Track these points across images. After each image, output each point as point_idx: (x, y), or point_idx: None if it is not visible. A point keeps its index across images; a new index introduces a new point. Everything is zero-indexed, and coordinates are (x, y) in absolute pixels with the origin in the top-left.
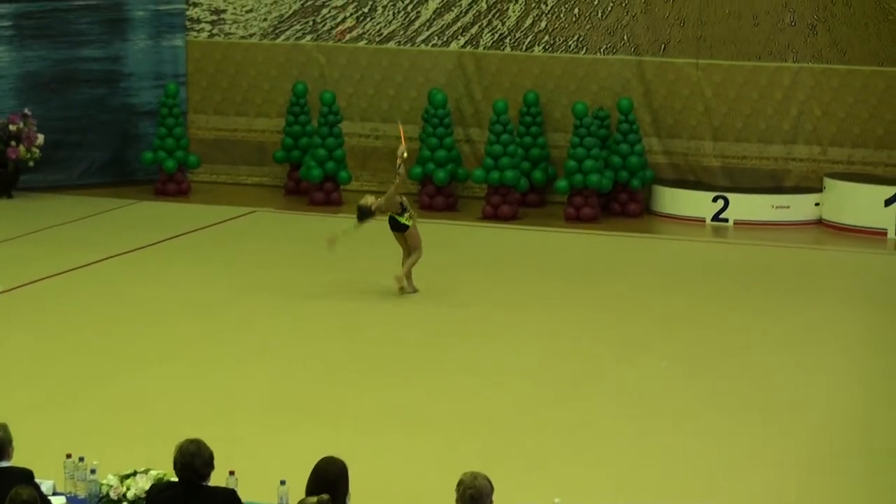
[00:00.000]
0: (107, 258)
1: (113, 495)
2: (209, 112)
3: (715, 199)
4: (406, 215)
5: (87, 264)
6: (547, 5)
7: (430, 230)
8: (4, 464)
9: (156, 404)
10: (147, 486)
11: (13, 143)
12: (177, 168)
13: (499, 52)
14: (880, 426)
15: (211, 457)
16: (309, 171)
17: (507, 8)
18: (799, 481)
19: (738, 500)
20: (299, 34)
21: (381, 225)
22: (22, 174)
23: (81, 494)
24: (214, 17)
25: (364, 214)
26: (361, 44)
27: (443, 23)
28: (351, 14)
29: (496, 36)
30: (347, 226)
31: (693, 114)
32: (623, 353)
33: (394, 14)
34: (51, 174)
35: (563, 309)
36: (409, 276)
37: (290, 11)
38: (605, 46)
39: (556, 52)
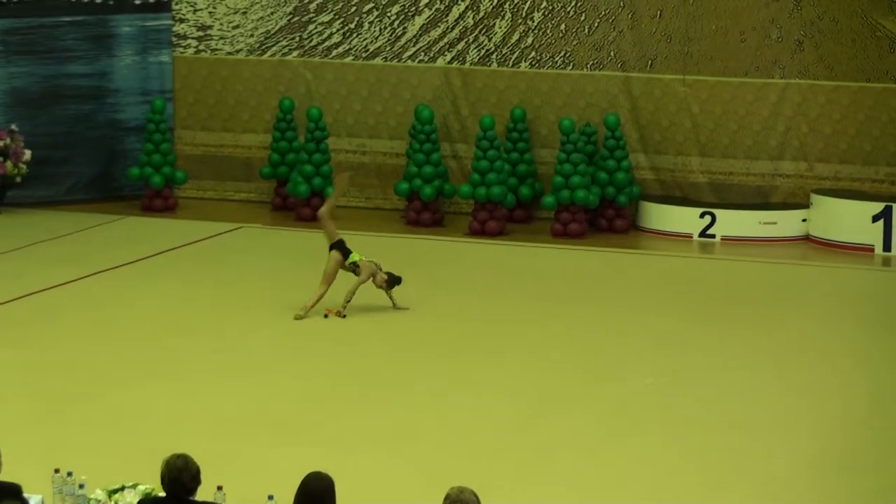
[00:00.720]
0: (93, 274)
1: None
2: (196, 128)
3: (702, 215)
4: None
5: (74, 280)
6: (534, 21)
7: (416, 246)
8: None
9: (143, 420)
10: (135, 501)
11: (0, 158)
12: (164, 184)
13: (485, 67)
14: (867, 443)
15: (198, 471)
16: (296, 186)
17: (494, 24)
18: (784, 499)
19: None
20: (286, 50)
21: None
22: (9, 190)
23: None
24: (201, 34)
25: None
26: (348, 59)
27: (429, 39)
28: (337, 30)
29: (483, 52)
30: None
31: (680, 130)
32: (609, 370)
33: (380, 30)
34: (38, 190)
35: (550, 325)
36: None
37: (277, 27)
38: (591, 62)
39: (543, 68)
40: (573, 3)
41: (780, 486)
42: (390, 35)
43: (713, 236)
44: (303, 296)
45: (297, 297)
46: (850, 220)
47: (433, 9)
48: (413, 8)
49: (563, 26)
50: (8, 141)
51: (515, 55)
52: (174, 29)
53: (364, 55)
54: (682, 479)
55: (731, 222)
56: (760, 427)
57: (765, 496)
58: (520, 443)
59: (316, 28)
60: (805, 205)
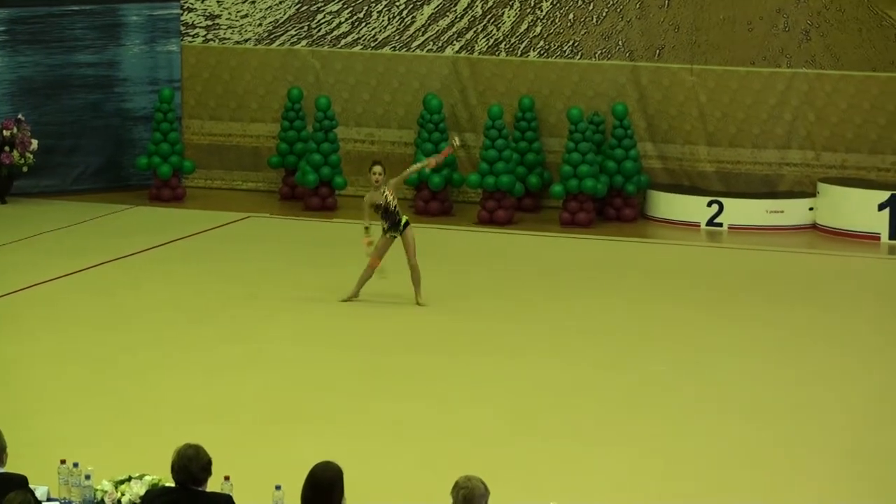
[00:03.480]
0: (101, 263)
1: (108, 501)
2: (204, 117)
3: (709, 204)
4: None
5: (82, 270)
6: (542, 11)
7: (425, 235)
8: None
9: (151, 410)
10: (142, 492)
11: (7, 148)
12: (171, 173)
13: (494, 57)
14: (875, 430)
15: (209, 463)
16: (304, 176)
17: (503, 13)
18: (793, 486)
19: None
20: (294, 39)
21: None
22: (16, 180)
23: (76, 500)
24: (209, 23)
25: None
26: (357, 49)
27: (438, 28)
28: (346, 19)
29: (491, 41)
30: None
31: (688, 119)
32: (618, 358)
33: (389, 19)
34: (45, 179)
35: (559, 314)
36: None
37: (285, 17)
38: (599, 52)
39: (552, 57)
40: None
41: (789, 473)
42: (399, 24)
43: (721, 225)
44: (311, 285)
45: (305, 286)
46: (857, 208)
47: None
48: None
49: (571, 15)
50: (15, 130)
51: (524, 44)
52: (182, 18)
53: (373, 45)
54: (692, 466)
55: (739, 211)
56: (770, 415)
57: (774, 483)
58: (529, 432)
59: (324, 17)
60: (812, 193)
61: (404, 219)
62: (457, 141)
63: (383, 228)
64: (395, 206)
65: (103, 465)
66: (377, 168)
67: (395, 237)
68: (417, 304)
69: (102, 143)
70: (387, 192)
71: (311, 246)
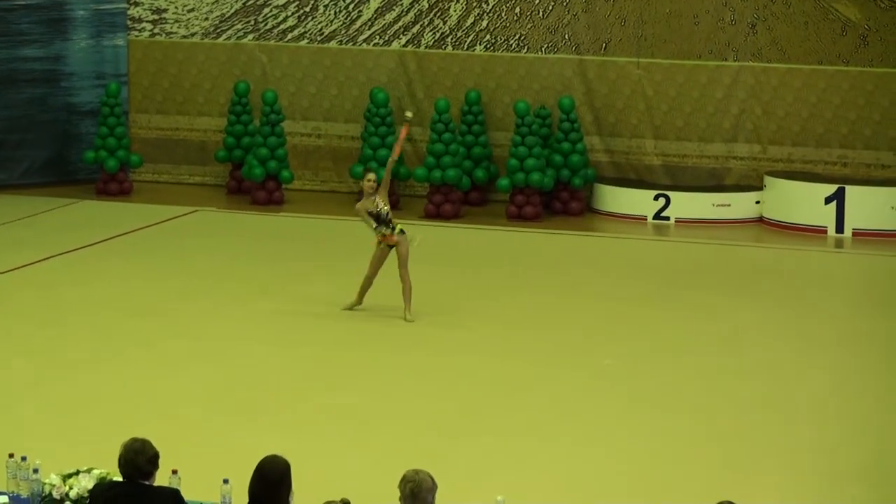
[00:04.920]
0: (48, 258)
1: (56, 494)
2: (151, 111)
3: (656, 198)
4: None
5: (28, 264)
6: (488, 4)
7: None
8: None
9: (98, 404)
10: (90, 486)
11: None
12: (118, 167)
13: (440, 51)
14: (820, 426)
15: (155, 456)
16: (251, 170)
17: (449, 7)
18: (737, 481)
19: (676, 499)
20: (241, 33)
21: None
22: None
23: (24, 494)
24: (156, 17)
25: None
26: (303, 43)
27: (384, 22)
28: (292, 13)
29: (437, 35)
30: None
31: (634, 112)
32: (566, 353)
33: (335, 13)
34: None
35: (507, 308)
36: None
37: (232, 11)
38: (546, 45)
39: (498, 51)
40: None
41: (733, 467)
42: (345, 18)
43: (667, 218)
44: (258, 279)
45: (252, 281)
46: (803, 202)
47: None
48: None
49: (517, 9)
50: None
51: (470, 38)
52: (129, 12)
53: (319, 39)
54: (637, 461)
55: (686, 204)
56: (714, 409)
57: (719, 478)
58: (476, 427)
59: (271, 11)
60: (758, 187)
61: (398, 227)
62: (409, 114)
63: (374, 228)
64: (388, 213)
65: (51, 459)
66: (371, 175)
67: (389, 235)
68: (405, 319)
69: (49, 137)
70: (378, 200)
71: (259, 240)
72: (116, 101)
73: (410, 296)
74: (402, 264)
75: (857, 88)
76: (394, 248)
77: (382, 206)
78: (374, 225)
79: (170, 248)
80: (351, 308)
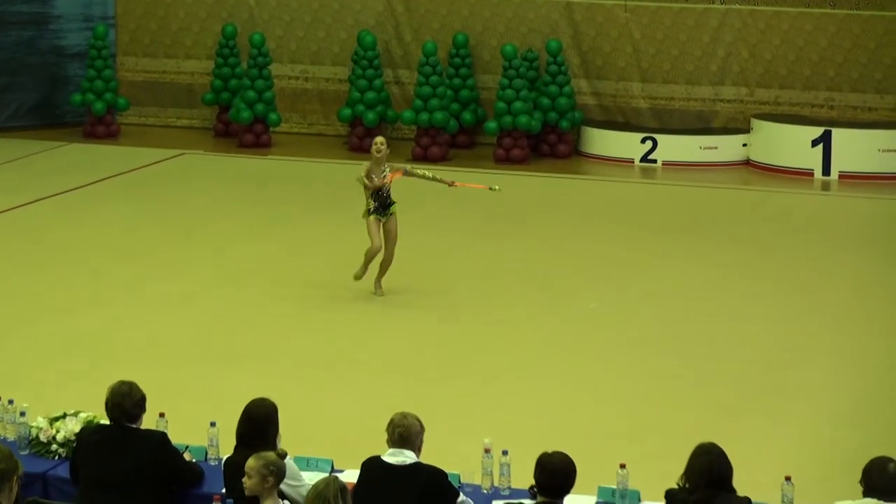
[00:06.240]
0: (35, 201)
1: (43, 438)
2: (138, 54)
3: (643, 141)
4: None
5: (15, 207)
6: None
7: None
8: None
9: (85, 347)
10: (77, 429)
11: None
12: (106, 110)
13: None
14: (804, 367)
15: (142, 399)
16: (238, 113)
17: None
18: (722, 422)
19: (663, 442)
20: None
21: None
22: None
23: (11, 437)
24: None
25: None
26: None
27: None
28: None
29: None
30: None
31: (621, 55)
32: (552, 297)
33: None
34: None
35: (492, 251)
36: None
37: None
38: None
39: None
40: None
41: (716, 410)
42: None
43: (654, 161)
44: (244, 221)
45: (240, 223)
46: (790, 144)
47: None
48: None
49: None
50: None
51: None
52: None
53: None
54: (623, 404)
55: (673, 147)
56: (698, 353)
57: (703, 421)
58: (464, 370)
59: None
60: (745, 130)
61: (394, 208)
62: (496, 187)
63: (369, 209)
64: (389, 190)
65: (38, 402)
66: (381, 138)
67: (382, 220)
68: (375, 289)
69: (37, 80)
70: (387, 174)
71: (246, 183)
72: (104, 43)
73: (386, 271)
74: (392, 240)
75: (844, 31)
76: (383, 225)
77: (389, 182)
78: (370, 197)
79: (157, 191)
80: (360, 278)
